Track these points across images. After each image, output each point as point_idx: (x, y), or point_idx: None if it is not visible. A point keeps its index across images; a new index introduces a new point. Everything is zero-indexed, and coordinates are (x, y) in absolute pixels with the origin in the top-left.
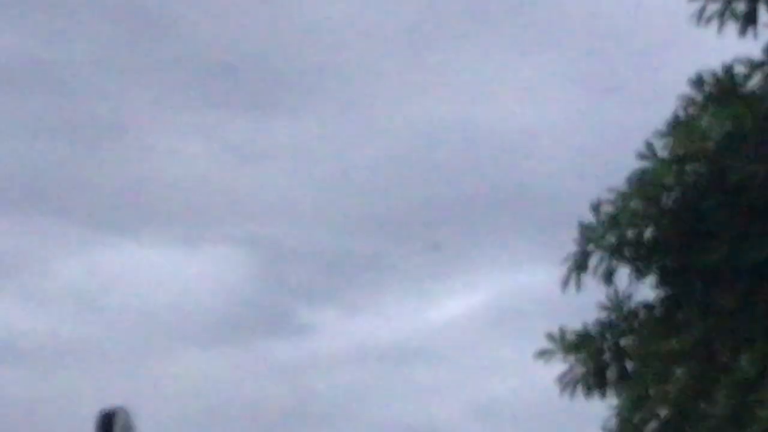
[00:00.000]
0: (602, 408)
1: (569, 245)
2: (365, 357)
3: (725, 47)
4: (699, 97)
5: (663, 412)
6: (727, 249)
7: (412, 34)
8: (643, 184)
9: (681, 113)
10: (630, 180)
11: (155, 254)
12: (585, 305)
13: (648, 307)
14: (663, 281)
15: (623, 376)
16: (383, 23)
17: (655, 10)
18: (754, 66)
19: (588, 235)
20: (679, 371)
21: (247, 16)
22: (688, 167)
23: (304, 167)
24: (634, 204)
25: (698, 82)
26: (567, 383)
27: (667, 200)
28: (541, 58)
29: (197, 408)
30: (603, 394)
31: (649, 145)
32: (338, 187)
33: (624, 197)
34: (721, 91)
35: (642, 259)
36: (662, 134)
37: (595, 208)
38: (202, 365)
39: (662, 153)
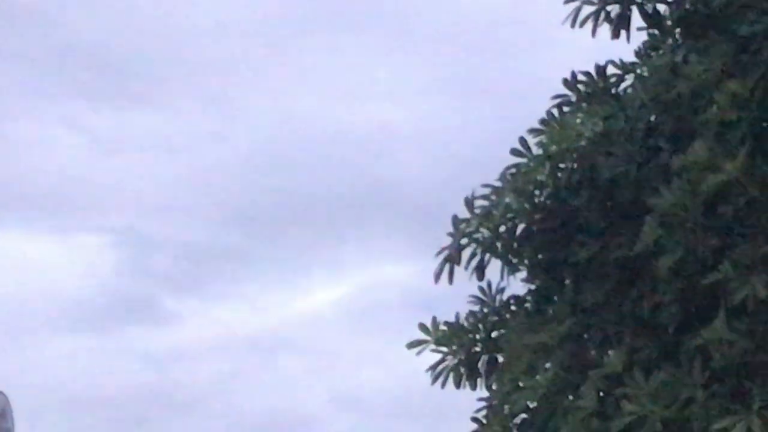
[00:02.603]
0: (470, 399)
1: (432, 241)
2: (231, 346)
3: (600, 49)
4: (572, 97)
5: (532, 404)
6: (597, 246)
7: (275, 30)
8: (517, 180)
9: (555, 112)
10: (503, 175)
11: (21, 243)
12: (450, 298)
13: (519, 300)
14: (533, 275)
15: (494, 368)
16: (248, 19)
17: (528, 12)
18: (626, 68)
19: (461, 229)
20: (548, 364)
21: (114, 7)
22: (561, 164)
23: (169, 159)
24: (508, 199)
25: (572, 81)
26: (438, 374)
27: (540, 196)
28: (407, 58)
29: (64, 395)
30: (473, 386)
31: (523, 142)
32: (204, 180)
33: (498, 192)
34: (594, 91)
35: (514, 254)
36: (536, 132)
37: (469, 202)
38: (69, 353)
39: (536, 150)
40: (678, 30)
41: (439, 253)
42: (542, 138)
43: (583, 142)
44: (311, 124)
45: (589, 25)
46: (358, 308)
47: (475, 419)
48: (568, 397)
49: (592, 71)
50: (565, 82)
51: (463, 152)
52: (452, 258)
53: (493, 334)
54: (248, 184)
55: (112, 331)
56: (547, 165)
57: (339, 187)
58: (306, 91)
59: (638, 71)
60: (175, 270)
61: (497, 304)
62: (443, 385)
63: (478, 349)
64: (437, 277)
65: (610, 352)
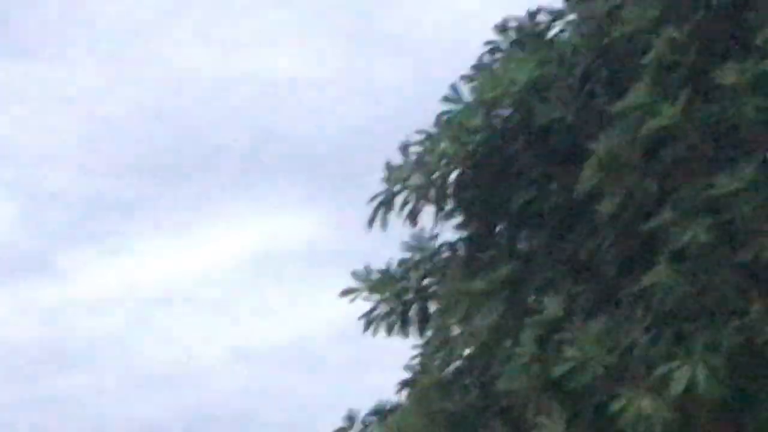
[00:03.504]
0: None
1: (330, 192)
2: (126, 300)
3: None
4: (503, 43)
5: (466, 352)
6: (532, 192)
7: None
8: (451, 126)
9: (486, 59)
10: (437, 122)
11: None
12: (351, 251)
13: (452, 247)
14: (467, 223)
15: (426, 316)
16: None
17: None
18: (555, 15)
19: (395, 176)
20: (483, 311)
21: None
22: (495, 111)
23: (61, 113)
24: (443, 145)
25: (503, 28)
26: (370, 321)
27: (473, 143)
28: (300, 10)
29: None
30: (405, 333)
31: (455, 89)
32: (95, 133)
33: (432, 139)
34: (526, 38)
35: (447, 200)
36: (468, 78)
37: (403, 149)
38: None
39: (468, 97)
40: None
41: (373, 199)
42: (475, 84)
43: (517, 88)
44: (205, 76)
45: None
46: (256, 260)
47: (409, 367)
48: (506, 344)
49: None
50: (497, 28)
51: (357, 103)
52: (384, 204)
53: (426, 282)
54: (143, 137)
55: (6, 285)
56: (482, 111)
57: (233, 139)
58: (198, 44)
59: (571, 17)
60: (68, 223)
61: (429, 251)
62: (375, 333)
63: (410, 296)
64: (371, 223)
65: (548, 298)
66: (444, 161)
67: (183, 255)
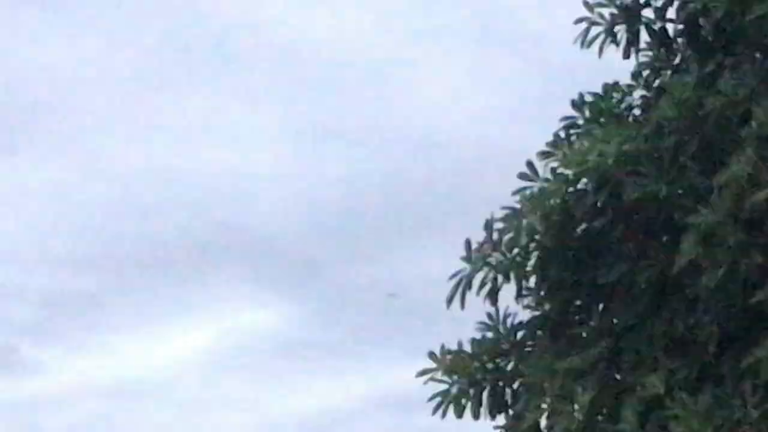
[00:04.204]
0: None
1: (288, 286)
2: (93, 395)
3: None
4: (580, 119)
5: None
6: (625, 266)
7: (130, 78)
8: (536, 202)
9: (562, 134)
10: (523, 198)
11: None
12: (313, 343)
13: (531, 326)
14: (551, 300)
15: (502, 397)
16: (104, 66)
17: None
18: (624, 91)
19: (474, 254)
20: (580, 389)
21: None
22: (579, 186)
23: (22, 205)
24: (528, 221)
25: (580, 103)
26: (440, 404)
27: (560, 218)
28: (260, 103)
29: None
30: (476, 415)
31: (531, 165)
32: (57, 226)
33: (516, 215)
34: (603, 112)
35: (528, 278)
36: (545, 154)
37: (487, 225)
38: None
39: (543, 172)
40: (688, 48)
41: (452, 276)
42: (559, 158)
43: (607, 162)
44: (165, 170)
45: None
46: (220, 354)
47: None
48: (605, 422)
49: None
50: (573, 103)
51: (316, 196)
52: (465, 283)
53: (502, 361)
54: (107, 232)
55: None
56: (565, 186)
57: (196, 233)
58: (159, 137)
59: (640, 92)
60: (34, 318)
61: (505, 331)
62: (444, 414)
63: (481, 376)
64: (449, 301)
65: (647, 374)
66: (528, 237)
67: (147, 348)
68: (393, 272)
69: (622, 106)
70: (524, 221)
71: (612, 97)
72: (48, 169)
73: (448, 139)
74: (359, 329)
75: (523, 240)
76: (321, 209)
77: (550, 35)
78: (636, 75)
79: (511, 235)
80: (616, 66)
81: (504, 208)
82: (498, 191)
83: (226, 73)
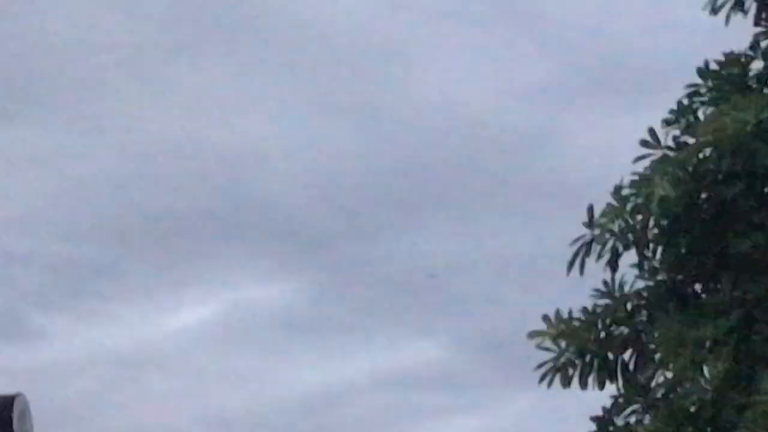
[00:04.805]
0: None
1: (299, 260)
2: (99, 364)
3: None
4: (703, 87)
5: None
6: (761, 237)
7: (142, 48)
8: (668, 169)
9: (685, 102)
10: (651, 167)
11: None
12: (325, 318)
13: (654, 294)
14: (678, 269)
15: (618, 365)
16: (116, 37)
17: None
18: (743, 61)
19: (598, 220)
20: (711, 359)
21: None
22: (712, 154)
23: (34, 176)
24: (662, 189)
25: (705, 71)
26: (546, 373)
27: (692, 186)
28: (275, 77)
29: None
30: (584, 385)
31: (653, 133)
32: (69, 196)
33: (647, 182)
34: (727, 82)
35: (650, 246)
36: (669, 122)
37: (616, 191)
38: None
39: (665, 141)
40: None
41: (574, 242)
42: (680, 127)
43: (749, 128)
44: (177, 140)
45: None
46: (227, 327)
47: (596, 418)
48: (739, 393)
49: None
50: (699, 72)
51: (329, 171)
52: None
53: (615, 330)
54: (116, 201)
55: None
56: (700, 154)
57: (206, 205)
58: (171, 107)
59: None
60: (41, 286)
61: (620, 299)
62: (549, 384)
63: (592, 345)
64: (570, 267)
65: None
66: (659, 203)
67: (156, 319)
68: (403, 250)
69: (746, 76)
70: (656, 188)
71: (735, 67)
72: (59, 136)
73: (464, 118)
74: (368, 306)
75: (655, 205)
76: (334, 184)
77: (569, 15)
78: (754, 46)
79: (640, 200)
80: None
81: (634, 173)
82: (513, 170)
83: (241, 43)
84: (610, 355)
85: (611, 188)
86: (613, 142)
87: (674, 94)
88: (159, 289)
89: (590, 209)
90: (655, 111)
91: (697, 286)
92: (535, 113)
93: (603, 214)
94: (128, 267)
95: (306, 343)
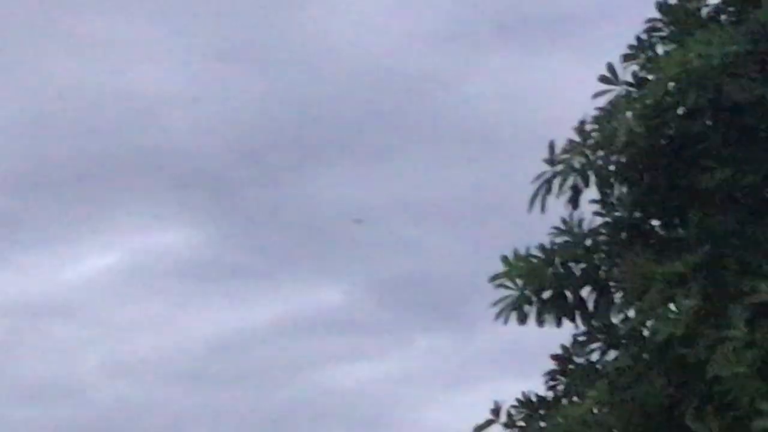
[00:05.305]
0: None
1: (202, 207)
2: (2, 313)
3: None
4: (661, 23)
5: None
6: (727, 172)
7: None
8: (633, 104)
9: (644, 37)
10: (614, 102)
11: None
12: (227, 264)
13: (614, 230)
14: (643, 205)
15: (603, 298)
16: None
17: None
18: None
19: (558, 156)
20: (680, 296)
21: None
22: (676, 89)
23: None
24: (628, 123)
25: (664, 6)
26: (503, 309)
27: (658, 121)
28: (179, 25)
29: None
30: (541, 321)
31: (612, 69)
32: None
33: (613, 117)
34: (687, 17)
35: (613, 182)
36: (628, 57)
37: (579, 127)
38: None
39: (623, 76)
40: None
41: (535, 180)
42: (642, 62)
43: (715, 63)
44: (78, 89)
45: None
46: (132, 275)
47: (556, 356)
48: (711, 328)
49: None
50: (659, 5)
51: (234, 118)
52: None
53: (574, 267)
54: (17, 149)
55: None
56: (662, 89)
57: (110, 152)
58: (73, 56)
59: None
60: None
61: (579, 236)
62: (505, 321)
63: (548, 282)
64: (531, 203)
65: (754, 281)
66: (625, 136)
67: (58, 268)
68: (305, 195)
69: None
70: (619, 121)
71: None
72: None
73: (367, 62)
74: (275, 252)
75: (621, 139)
76: (239, 130)
77: None
78: None
79: (604, 134)
80: None
81: (597, 108)
82: (418, 114)
83: None
84: (568, 293)
85: (525, 130)
86: (523, 84)
87: (583, 39)
88: (62, 237)
89: (551, 145)
90: (564, 53)
91: (656, 222)
92: (443, 56)
93: (564, 150)
94: (30, 215)
95: (211, 290)
